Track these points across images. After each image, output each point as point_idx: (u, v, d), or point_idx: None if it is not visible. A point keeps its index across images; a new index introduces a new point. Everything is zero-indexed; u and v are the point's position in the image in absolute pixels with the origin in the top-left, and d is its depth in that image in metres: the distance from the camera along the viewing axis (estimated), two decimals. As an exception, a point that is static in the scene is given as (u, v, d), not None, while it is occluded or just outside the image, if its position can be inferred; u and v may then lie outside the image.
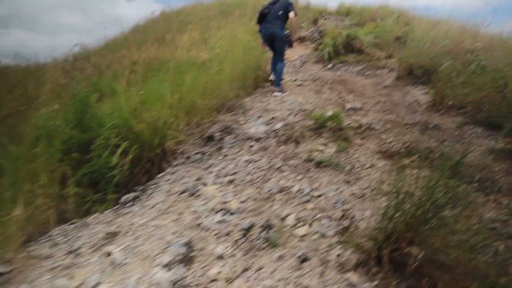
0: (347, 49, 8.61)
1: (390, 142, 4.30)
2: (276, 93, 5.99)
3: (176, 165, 3.99)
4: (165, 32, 11.36)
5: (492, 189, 3.21)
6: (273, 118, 4.85)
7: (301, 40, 11.59)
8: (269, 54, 6.77)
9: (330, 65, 8.39)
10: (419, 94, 5.56)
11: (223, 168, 3.69)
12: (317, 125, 4.43)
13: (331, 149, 4.00)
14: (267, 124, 4.70)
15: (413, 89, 6.02)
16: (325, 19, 14.36)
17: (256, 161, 3.81)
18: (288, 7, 5.87)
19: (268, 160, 3.80)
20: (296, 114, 4.98)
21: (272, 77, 6.40)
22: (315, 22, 13.60)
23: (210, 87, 5.40)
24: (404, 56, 6.84)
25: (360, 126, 4.82)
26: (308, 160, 3.77)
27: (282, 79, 6.39)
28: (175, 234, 2.65)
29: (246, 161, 3.82)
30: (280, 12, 5.83)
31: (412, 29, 8.19)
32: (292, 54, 10.14)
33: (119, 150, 3.71)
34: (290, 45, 6.39)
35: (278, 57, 6.12)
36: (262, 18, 6.05)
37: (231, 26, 10.09)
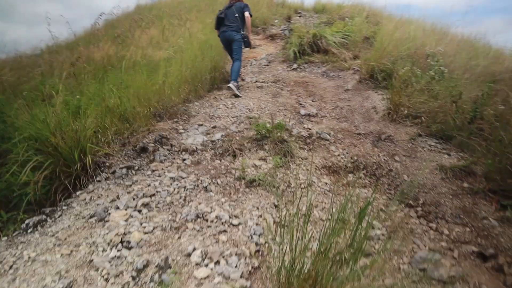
0: (313, 49, 8.25)
1: (338, 155, 3.95)
2: (231, 85, 5.87)
3: (100, 181, 3.56)
4: (132, 28, 10.85)
5: (436, 214, 2.88)
6: (214, 127, 4.46)
7: (272, 37, 11.22)
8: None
9: (295, 65, 8.03)
10: (378, 100, 5.23)
11: (145, 186, 3.28)
12: (259, 136, 4.03)
13: (269, 164, 3.61)
14: (207, 134, 4.30)
15: (373, 93, 5.68)
16: (300, 16, 14.00)
17: (183, 179, 3.42)
18: (243, 9, 6.10)
19: (196, 177, 3.41)
20: (242, 123, 4.60)
21: (231, 86, 5.96)
22: (288, 19, 13.19)
23: (157, 90, 4.98)
24: (367, 58, 6.50)
25: (310, 136, 4.46)
26: (240, 178, 3.38)
27: (240, 75, 6.61)
28: (59, 274, 2.23)
29: (172, 178, 3.43)
30: (236, 15, 6.04)
31: (380, 29, 7.85)
32: (261, 52, 9.77)
33: (28, 166, 3.26)
34: (248, 45, 6.36)
35: (235, 56, 6.19)
36: (219, 23, 6.20)
37: (194, 23, 9.64)
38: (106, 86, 4.99)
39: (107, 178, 3.58)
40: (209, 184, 3.31)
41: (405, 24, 8.16)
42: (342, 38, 8.27)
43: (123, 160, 3.92)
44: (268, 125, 4.15)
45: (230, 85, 5.85)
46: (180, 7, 13.44)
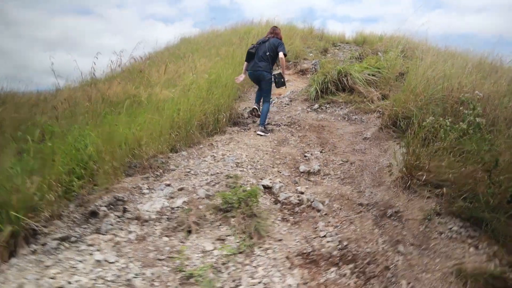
0: (338, 87, 7.28)
1: (324, 236, 2.96)
2: (259, 132, 5.63)
3: (25, 254, 2.85)
4: (158, 62, 10.55)
5: None
6: (181, 189, 3.64)
7: (303, 72, 10.41)
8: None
9: (316, 106, 7.12)
10: (398, 155, 4.16)
11: (62, 271, 2.51)
12: (226, 206, 3.16)
13: (227, 247, 2.72)
14: (170, 198, 3.51)
15: (394, 145, 4.61)
16: (338, 49, 13.10)
17: (109, 264, 2.61)
18: (277, 47, 5.70)
19: (126, 263, 2.59)
20: (217, 183, 3.76)
21: (255, 105, 6.18)
22: (324, 52, 12.33)
23: (140, 137, 4.36)
24: (396, 99, 5.45)
25: (299, 203, 3.53)
26: (177, 269, 2.52)
27: (269, 119, 6.32)
28: None
29: (98, 261, 2.63)
30: (268, 53, 5.68)
31: (415, 65, 6.75)
32: (288, 88, 8.95)
33: None
34: (282, 85, 6.12)
35: (264, 97, 5.89)
36: (250, 57, 5.88)
37: (213, 59, 9.07)
38: (86, 130, 4.44)
39: (34, 252, 2.86)
40: (136, 276, 2.47)
41: (447, 57, 6.98)
42: (372, 75, 7.24)
43: (69, 225, 3.20)
44: (240, 191, 3.27)
45: (258, 132, 5.66)
46: (215, 41, 13.07)
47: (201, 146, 5.10)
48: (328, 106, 7.03)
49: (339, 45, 13.61)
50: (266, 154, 4.74)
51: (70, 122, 5.30)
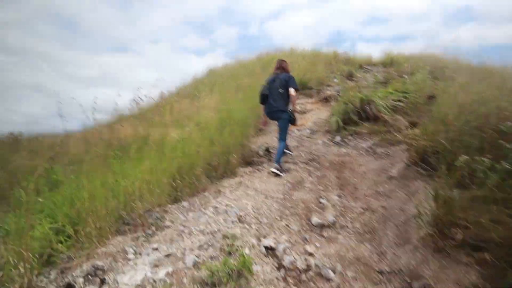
0: (361, 116, 6.62)
1: (333, 323, 2.30)
2: (273, 170, 5.24)
3: None
4: (179, 98, 10.33)
5: None
6: (169, 255, 3.10)
7: (327, 100, 9.77)
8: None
9: (338, 138, 6.47)
10: (427, 201, 3.44)
11: None
12: (213, 280, 2.58)
13: None
14: (154, 266, 2.97)
15: (423, 186, 3.88)
16: (365, 72, 12.41)
17: None
18: (288, 83, 5.49)
19: None
20: (211, 246, 3.21)
21: (273, 167, 5.44)
22: (350, 77, 11.68)
23: (137, 188, 3.95)
24: (421, 131, 4.75)
25: (306, 269, 2.89)
26: None
27: (284, 154, 5.94)
28: None
29: None
30: (281, 90, 5.49)
31: (445, 87, 6.00)
32: (310, 118, 8.37)
33: None
34: (294, 122, 5.67)
35: (280, 136, 5.58)
36: (264, 98, 5.66)
37: (230, 92, 8.67)
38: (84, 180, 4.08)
39: None
40: None
41: (482, 75, 6.18)
42: (398, 101, 6.53)
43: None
44: (231, 262, 2.69)
45: (272, 169, 5.26)
46: (238, 72, 12.77)
47: (206, 194, 4.59)
48: (351, 138, 6.36)
49: (366, 68, 12.93)
50: (276, 202, 4.14)
51: (75, 169, 5.02)
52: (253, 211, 3.91)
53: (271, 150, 6.43)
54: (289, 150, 6.14)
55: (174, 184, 4.55)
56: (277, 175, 5.16)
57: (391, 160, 5.07)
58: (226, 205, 4.07)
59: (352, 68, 12.42)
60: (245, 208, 3.97)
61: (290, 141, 6.96)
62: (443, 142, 3.92)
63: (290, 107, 5.48)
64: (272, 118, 5.74)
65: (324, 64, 12.51)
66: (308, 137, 7.20)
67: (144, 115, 8.49)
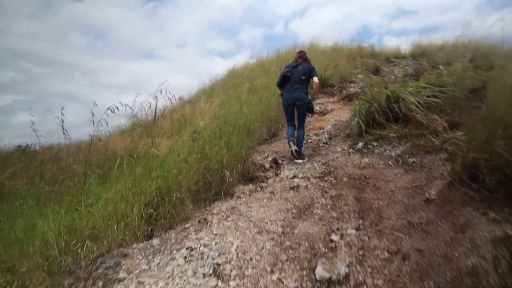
0: (388, 117, 5.37)
1: None
2: (297, 160, 5.29)
3: None
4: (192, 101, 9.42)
5: None
6: None
7: (349, 98, 8.54)
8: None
9: (360, 144, 5.27)
10: (488, 247, 2.25)
11: None
12: None
13: None
14: None
15: (478, 220, 2.66)
16: (394, 65, 11.05)
17: None
18: (311, 72, 5.42)
19: None
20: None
21: (292, 147, 5.38)
22: (376, 71, 10.36)
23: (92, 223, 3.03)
24: (467, 136, 3.50)
25: None
26: None
27: (305, 143, 5.96)
28: None
29: None
30: (303, 77, 5.36)
31: (496, 78, 4.66)
32: (330, 119, 7.20)
33: None
34: (312, 112, 5.72)
35: (300, 123, 5.46)
36: (285, 81, 5.49)
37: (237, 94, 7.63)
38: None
39: None
40: None
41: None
42: (433, 96, 5.24)
43: None
44: None
45: (297, 161, 5.28)
46: (255, 71, 11.73)
47: (187, 225, 3.54)
48: (375, 144, 5.14)
49: (394, 61, 11.54)
50: (271, 240, 3.03)
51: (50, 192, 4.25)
52: (238, 255, 2.81)
53: (279, 161, 5.30)
54: (299, 156, 5.46)
55: (150, 213, 3.51)
56: (297, 157, 5.26)
57: (428, 174, 3.83)
58: (205, 245, 3.01)
59: (378, 62, 11.08)
60: (228, 251, 2.89)
61: (305, 149, 5.81)
62: (503, 154, 2.68)
63: (309, 97, 5.44)
64: (291, 101, 5.37)
65: (347, 59, 11.24)
66: (325, 144, 6.03)
67: (148, 123, 7.53)
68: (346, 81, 9.74)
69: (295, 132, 5.48)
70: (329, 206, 3.68)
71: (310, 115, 5.80)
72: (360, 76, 10.06)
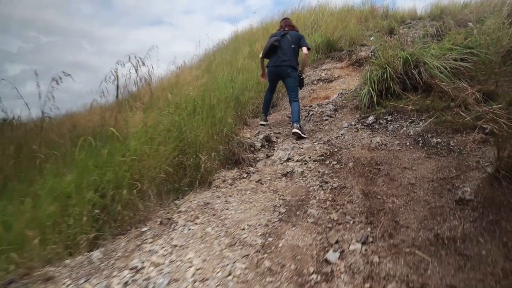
0: (405, 86, 4.37)
1: None
2: (295, 130, 4.48)
3: None
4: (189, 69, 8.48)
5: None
6: None
7: (359, 63, 7.47)
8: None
9: (370, 119, 4.31)
10: None
11: None
12: None
13: None
14: None
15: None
16: (409, 27, 9.83)
17: None
18: (300, 40, 4.91)
19: None
20: None
21: (262, 122, 5.11)
22: (390, 33, 9.19)
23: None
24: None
25: None
26: None
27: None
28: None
29: None
30: (293, 46, 4.84)
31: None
32: (337, 88, 6.22)
33: None
34: (301, 85, 5.01)
35: (293, 97, 4.80)
36: (271, 51, 4.90)
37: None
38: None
39: None
40: None
41: None
42: (461, 60, 4.20)
43: None
44: None
45: (295, 130, 4.46)
46: (256, 36, 10.66)
47: (144, 229, 2.70)
48: (389, 119, 4.18)
49: (409, 23, 10.29)
50: (245, 257, 2.17)
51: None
52: (194, 285, 1.96)
53: (273, 139, 4.39)
54: (302, 132, 4.58)
55: (96, 214, 2.68)
56: (300, 137, 4.45)
57: (458, 162, 2.90)
58: (156, 265, 2.17)
59: (392, 23, 9.85)
60: (182, 276, 2.05)
61: (305, 123, 4.88)
62: None
63: (299, 68, 4.94)
64: (279, 74, 4.89)
65: (358, 20, 10.03)
66: (330, 117, 5.08)
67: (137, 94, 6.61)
68: (356, 44, 8.62)
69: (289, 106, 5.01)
70: (328, 203, 2.79)
71: (300, 88, 5.02)
72: (372, 38, 8.91)
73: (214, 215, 2.80)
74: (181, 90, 4.99)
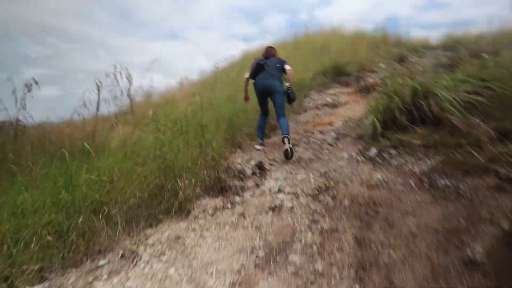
0: (413, 117, 4.01)
1: None
2: (286, 146, 4.39)
3: None
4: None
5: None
6: None
7: (367, 90, 7.14)
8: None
9: (373, 151, 3.95)
10: None
11: None
12: None
13: None
14: None
15: None
16: (419, 57, 9.49)
17: None
18: (283, 62, 5.11)
19: None
20: None
21: (258, 146, 4.94)
22: (400, 61, 8.86)
23: None
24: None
25: None
26: None
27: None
28: None
29: None
30: (278, 65, 5.05)
31: None
32: (341, 114, 5.89)
33: None
34: (293, 100, 5.06)
35: (281, 113, 4.84)
36: (258, 70, 5.01)
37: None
38: None
39: None
40: None
41: None
42: (475, 93, 3.84)
43: None
44: None
45: (286, 148, 4.38)
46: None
47: (101, 263, 2.33)
48: (393, 153, 3.81)
49: (422, 52, 9.97)
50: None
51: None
52: None
53: (266, 166, 4.04)
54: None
55: (48, 241, 2.33)
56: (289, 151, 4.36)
57: (469, 210, 2.51)
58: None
59: (404, 51, 9.54)
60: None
61: (303, 151, 4.53)
62: None
63: (287, 84, 5.04)
64: (266, 90, 4.92)
65: (369, 46, 9.74)
66: (330, 145, 4.72)
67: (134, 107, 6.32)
68: (365, 70, 8.32)
69: (276, 122, 5.10)
70: (314, 249, 2.41)
71: (290, 104, 5.17)
72: (382, 65, 8.59)
73: (182, 252, 2.43)
74: (175, 107, 4.67)
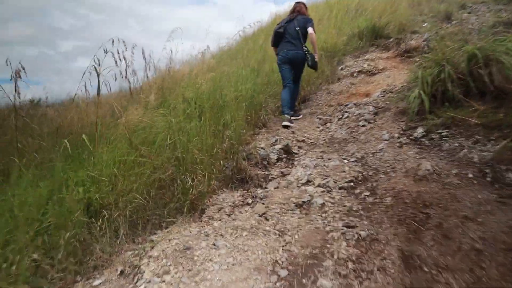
0: (468, 89, 3.33)
1: None
2: (285, 123, 4.40)
3: None
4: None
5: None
6: None
7: (409, 54, 6.39)
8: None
9: (419, 131, 3.34)
10: None
11: None
12: None
13: None
14: None
15: None
16: (469, 12, 8.48)
17: None
18: (306, 23, 4.68)
19: None
20: None
21: (286, 119, 4.46)
22: (448, 19, 7.93)
23: None
24: None
25: None
26: None
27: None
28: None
29: None
30: (298, 29, 4.67)
31: None
32: (380, 83, 5.26)
33: None
34: (315, 67, 4.78)
35: (297, 81, 4.86)
36: (278, 38, 4.79)
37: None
38: None
39: None
40: None
41: None
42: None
43: None
44: None
45: (285, 123, 4.35)
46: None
47: (96, 283, 1.99)
48: (445, 134, 3.18)
49: (471, 7, 8.84)
50: None
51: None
52: None
53: (293, 150, 3.53)
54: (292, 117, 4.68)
55: (34, 260, 2.00)
56: (286, 126, 4.32)
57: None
58: None
59: (450, 7, 8.49)
60: None
61: (336, 129, 3.98)
62: None
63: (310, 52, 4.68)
64: (290, 61, 4.67)
65: (410, 3, 8.75)
66: (368, 122, 4.12)
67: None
68: (406, 31, 7.43)
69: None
70: (350, 268, 1.93)
71: (315, 70, 5.02)
72: (425, 25, 7.65)
73: (190, 270, 2.03)
74: (192, 83, 4.19)
